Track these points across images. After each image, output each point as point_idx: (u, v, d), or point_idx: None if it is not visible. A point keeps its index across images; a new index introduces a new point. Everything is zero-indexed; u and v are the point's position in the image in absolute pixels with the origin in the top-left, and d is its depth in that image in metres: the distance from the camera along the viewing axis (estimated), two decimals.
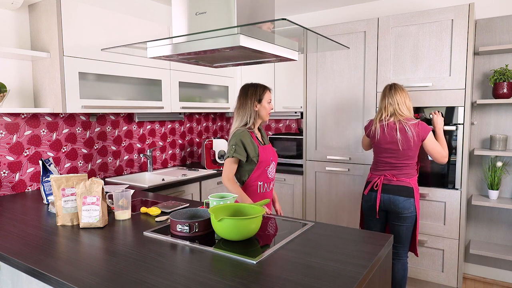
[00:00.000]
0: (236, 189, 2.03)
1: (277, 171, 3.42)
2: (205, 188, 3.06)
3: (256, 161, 2.05)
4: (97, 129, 2.87)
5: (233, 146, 2.02)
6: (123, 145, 3.08)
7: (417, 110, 2.73)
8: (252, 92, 2.08)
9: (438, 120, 2.46)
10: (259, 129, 2.21)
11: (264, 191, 2.12)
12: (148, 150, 3.18)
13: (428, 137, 2.26)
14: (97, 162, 2.88)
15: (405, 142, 2.26)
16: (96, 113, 2.85)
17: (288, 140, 3.55)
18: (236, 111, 2.12)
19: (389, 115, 2.33)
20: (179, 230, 1.50)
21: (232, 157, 2.01)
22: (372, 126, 2.39)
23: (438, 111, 2.52)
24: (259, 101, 2.09)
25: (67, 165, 2.68)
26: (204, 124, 3.95)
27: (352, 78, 2.99)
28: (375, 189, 2.34)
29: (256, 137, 2.11)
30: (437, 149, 2.28)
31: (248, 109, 2.08)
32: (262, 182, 2.10)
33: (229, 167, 2.04)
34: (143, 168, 3.25)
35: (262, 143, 2.16)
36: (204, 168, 3.37)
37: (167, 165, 3.51)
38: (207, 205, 1.81)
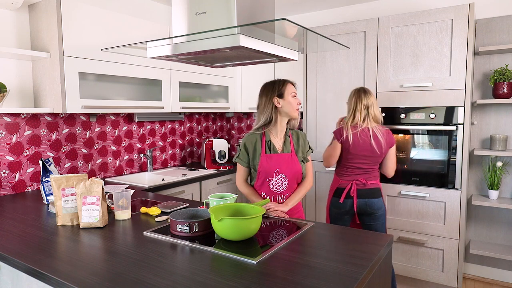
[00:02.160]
0: (246, 190, 1.97)
1: None
2: (205, 188, 3.06)
3: (254, 169, 1.92)
4: (97, 129, 2.87)
5: (238, 150, 1.96)
6: (123, 145, 3.08)
7: (417, 110, 2.73)
8: (270, 88, 1.88)
9: None
10: (287, 133, 1.95)
11: None
12: (148, 150, 3.17)
13: (394, 145, 2.36)
14: (97, 162, 2.88)
15: (378, 149, 2.28)
16: (96, 113, 2.85)
17: None
18: (257, 112, 1.96)
19: (362, 120, 2.31)
20: (179, 230, 1.50)
21: (236, 162, 1.97)
22: (345, 133, 2.29)
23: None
24: (280, 96, 1.86)
25: (67, 165, 2.68)
26: (204, 124, 3.95)
27: (352, 78, 2.99)
28: (352, 195, 2.33)
29: (268, 141, 1.90)
30: (395, 160, 2.41)
31: (265, 107, 1.88)
32: (264, 194, 1.94)
33: (238, 170, 1.99)
34: (143, 168, 3.25)
35: (278, 150, 1.91)
36: (204, 168, 3.37)
37: (167, 165, 3.51)
38: (207, 205, 1.81)
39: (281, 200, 1.93)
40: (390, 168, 2.39)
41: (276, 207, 1.85)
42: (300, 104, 1.93)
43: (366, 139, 2.28)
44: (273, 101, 1.87)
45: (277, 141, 1.93)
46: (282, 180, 1.90)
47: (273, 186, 1.91)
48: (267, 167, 1.88)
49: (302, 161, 1.97)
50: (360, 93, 2.34)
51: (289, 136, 1.96)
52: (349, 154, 2.33)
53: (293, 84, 1.93)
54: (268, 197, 1.93)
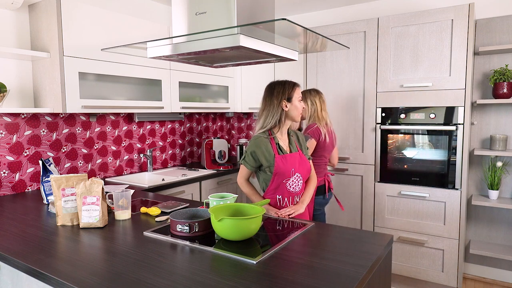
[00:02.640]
0: (247, 189, 1.96)
1: None
2: (205, 188, 3.06)
3: (270, 172, 1.85)
4: (97, 129, 2.87)
5: (245, 153, 1.89)
6: (123, 145, 3.08)
7: (417, 110, 2.73)
8: (280, 90, 1.85)
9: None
10: (289, 133, 1.96)
11: (285, 205, 1.89)
12: (148, 150, 3.17)
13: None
14: (97, 162, 2.88)
15: (334, 142, 2.58)
16: (96, 113, 2.85)
17: None
18: (260, 113, 1.90)
19: (327, 119, 2.53)
20: (179, 230, 1.50)
21: (241, 164, 1.93)
22: (323, 132, 2.44)
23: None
24: (289, 99, 1.84)
25: (67, 165, 2.68)
26: (204, 124, 3.95)
27: (352, 78, 2.99)
28: (330, 188, 2.55)
29: (278, 144, 1.87)
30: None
31: (273, 110, 1.84)
32: (281, 196, 1.87)
33: (241, 171, 1.95)
34: (143, 168, 3.25)
35: (287, 151, 1.90)
36: (204, 168, 3.37)
37: (167, 165, 3.51)
38: (207, 205, 1.81)
39: (297, 200, 1.91)
40: (337, 158, 2.66)
41: (294, 209, 1.80)
42: (304, 108, 1.99)
43: (331, 135, 2.53)
44: (282, 104, 1.85)
45: (283, 142, 1.91)
46: (298, 179, 1.88)
47: (290, 187, 1.87)
48: (283, 168, 1.83)
49: (309, 159, 2.02)
50: (320, 93, 2.54)
51: (292, 137, 1.97)
52: (324, 152, 2.47)
53: (299, 87, 1.93)
54: (287, 199, 1.89)
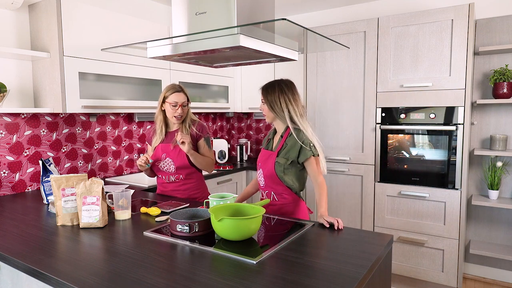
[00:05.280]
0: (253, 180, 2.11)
1: None
2: None
3: None
4: (97, 129, 2.87)
5: None
6: (123, 145, 3.08)
7: (417, 110, 2.73)
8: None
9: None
10: (282, 133, 1.90)
11: (262, 198, 1.97)
12: None
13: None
14: (97, 162, 2.88)
15: None
16: (96, 113, 2.85)
17: None
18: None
19: None
20: (179, 230, 1.50)
21: None
22: None
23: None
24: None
25: (67, 165, 2.68)
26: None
27: (352, 78, 2.99)
28: None
29: (271, 139, 1.97)
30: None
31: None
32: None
33: None
34: None
35: (269, 147, 1.96)
36: None
37: None
38: (207, 205, 1.81)
39: (263, 194, 1.94)
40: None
41: (335, 220, 1.65)
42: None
43: None
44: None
45: (276, 139, 1.95)
46: (261, 175, 1.93)
47: (259, 180, 1.96)
48: (257, 161, 1.99)
49: (293, 163, 1.82)
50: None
51: (282, 137, 1.88)
52: None
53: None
54: (260, 191, 1.98)
